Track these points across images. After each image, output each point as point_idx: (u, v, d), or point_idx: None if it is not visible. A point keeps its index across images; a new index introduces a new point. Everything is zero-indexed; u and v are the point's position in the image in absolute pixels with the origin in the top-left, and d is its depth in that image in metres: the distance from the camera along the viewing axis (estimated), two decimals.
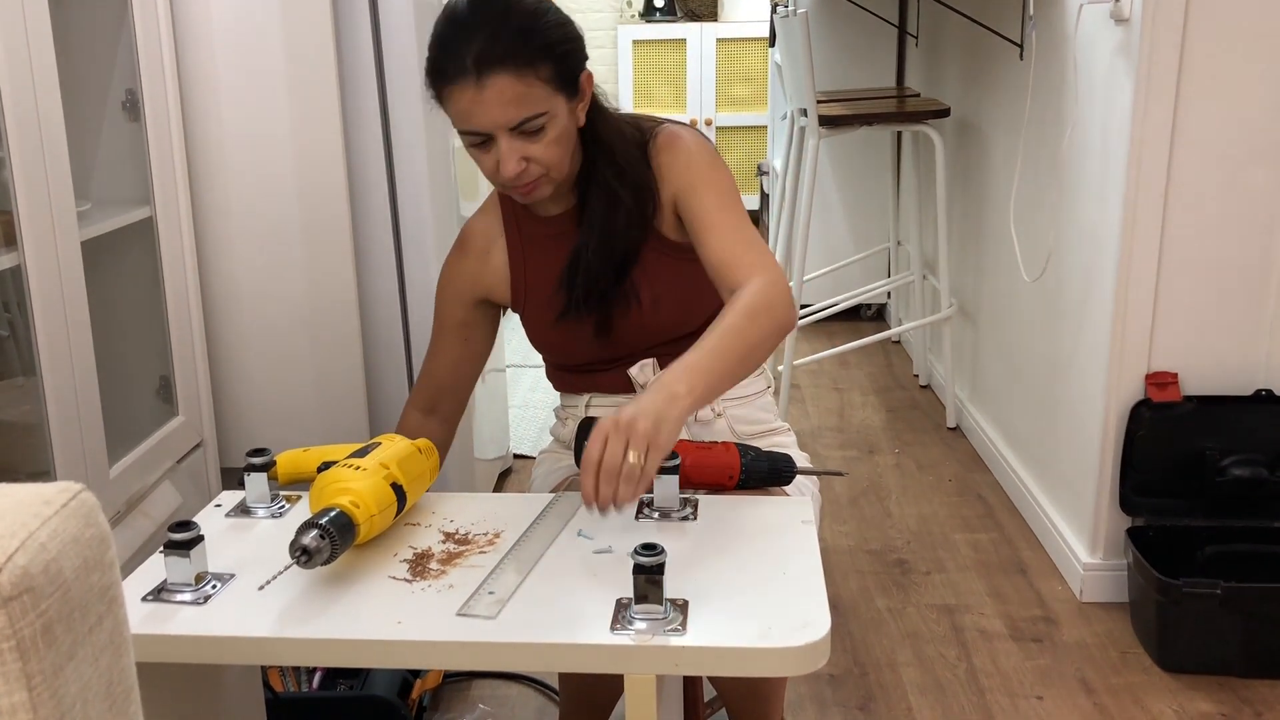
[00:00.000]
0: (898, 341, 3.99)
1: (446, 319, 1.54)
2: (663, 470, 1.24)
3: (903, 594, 2.31)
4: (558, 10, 1.37)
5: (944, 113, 3.11)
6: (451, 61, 1.30)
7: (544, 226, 1.50)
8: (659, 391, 1.17)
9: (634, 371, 1.48)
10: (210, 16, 1.85)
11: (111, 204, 1.78)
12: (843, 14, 3.90)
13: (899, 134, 3.82)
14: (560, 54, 1.33)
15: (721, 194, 1.41)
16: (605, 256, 1.43)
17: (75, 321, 1.55)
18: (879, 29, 3.94)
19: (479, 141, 1.33)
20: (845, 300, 3.75)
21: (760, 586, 1.07)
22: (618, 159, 1.44)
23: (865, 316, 4.26)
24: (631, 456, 1.11)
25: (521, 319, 1.55)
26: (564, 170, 1.39)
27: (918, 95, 3.48)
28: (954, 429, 3.21)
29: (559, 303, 1.47)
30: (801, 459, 1.51)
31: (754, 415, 1.55)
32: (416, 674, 1.84)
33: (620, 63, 5.82)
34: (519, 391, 3.43)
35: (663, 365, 1.48)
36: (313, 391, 2.00)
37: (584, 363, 1.52)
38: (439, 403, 1.55)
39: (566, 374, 1.57)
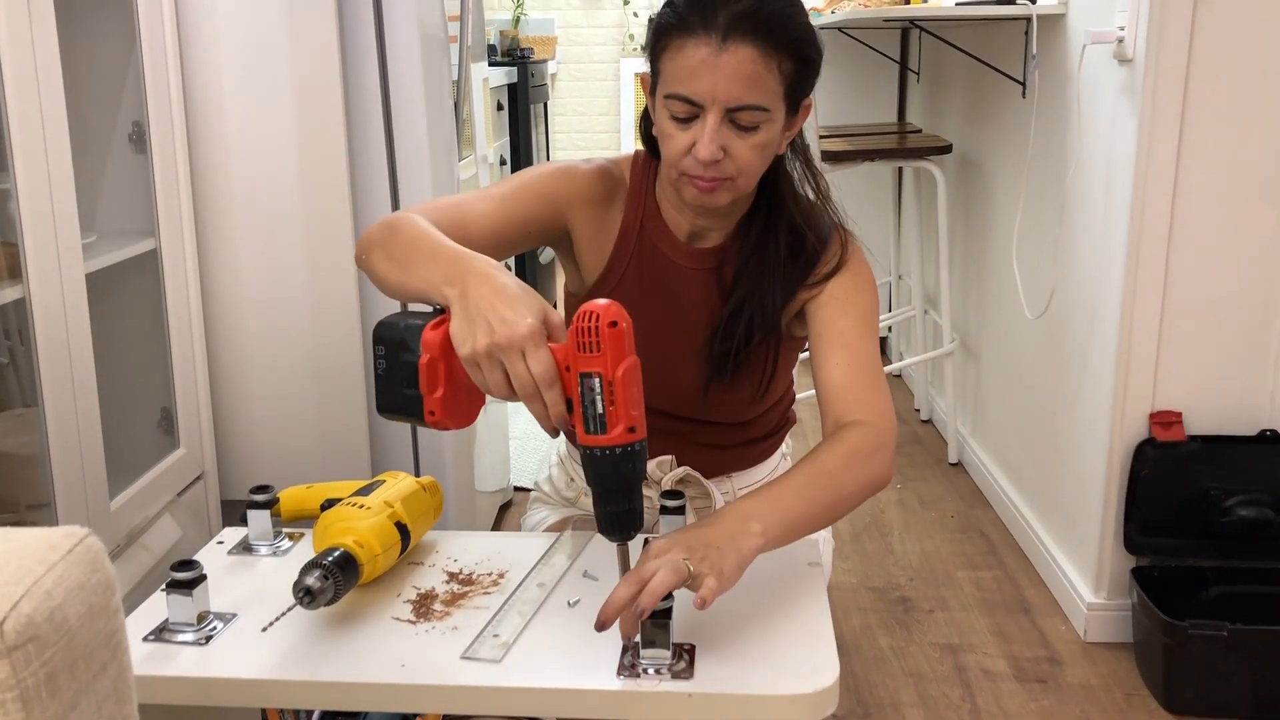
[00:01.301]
0: (899, 375, 3.99)
1: (512, 200, 1.30)
2: (668, 511, 1.23)
3: (905, 632, 2.29)
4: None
5: (946, 149, 3.12)
6: (701, 11, 1.17)
7: (669, 247, 1.36)
8: (729, 522, 1.06)
9: (650, 465, 1.39)
10: (218, 49, 1.86)
11: (116, 236, 1.78)
12: (844, 50, 3.92)
13: (900, 169, 3.84)
14: (806, 58, 1.23)
15: (866, 319, 1.30)
16: (771, 312, 1.32)
17: (78, 353, 1.55)
18: (880, 65, 3.96)
19: (685, 115, 1.20)
20: None
21: (767, 631, 1.06)
22: (795, 223, 1.32)
23: None
24: (690, 567, 0.99)
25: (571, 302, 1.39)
26: (751, 185, 1.27)
27: (919, 131, 3.50)
28: (955, 464, 3.20)
29: (663, 342, 1.34)
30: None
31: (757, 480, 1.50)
32: (415, 716, 1.82)
33: (622, 95, 5.85)
34: (519, 423, 3.42)
35: (681, 456, 1.41)
36: (315, 425, 2.00)
37: None
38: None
39: None
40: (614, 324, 0.97)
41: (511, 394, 1.00)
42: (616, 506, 1.00)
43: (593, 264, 1.38)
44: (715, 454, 1.45)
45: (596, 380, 0.97)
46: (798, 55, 1.21)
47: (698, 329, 1.36)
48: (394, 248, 1.13)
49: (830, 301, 1.31)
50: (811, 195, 1.36)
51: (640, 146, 1.40)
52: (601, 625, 0.99)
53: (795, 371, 1.53)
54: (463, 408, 1.07)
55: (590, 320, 0.96)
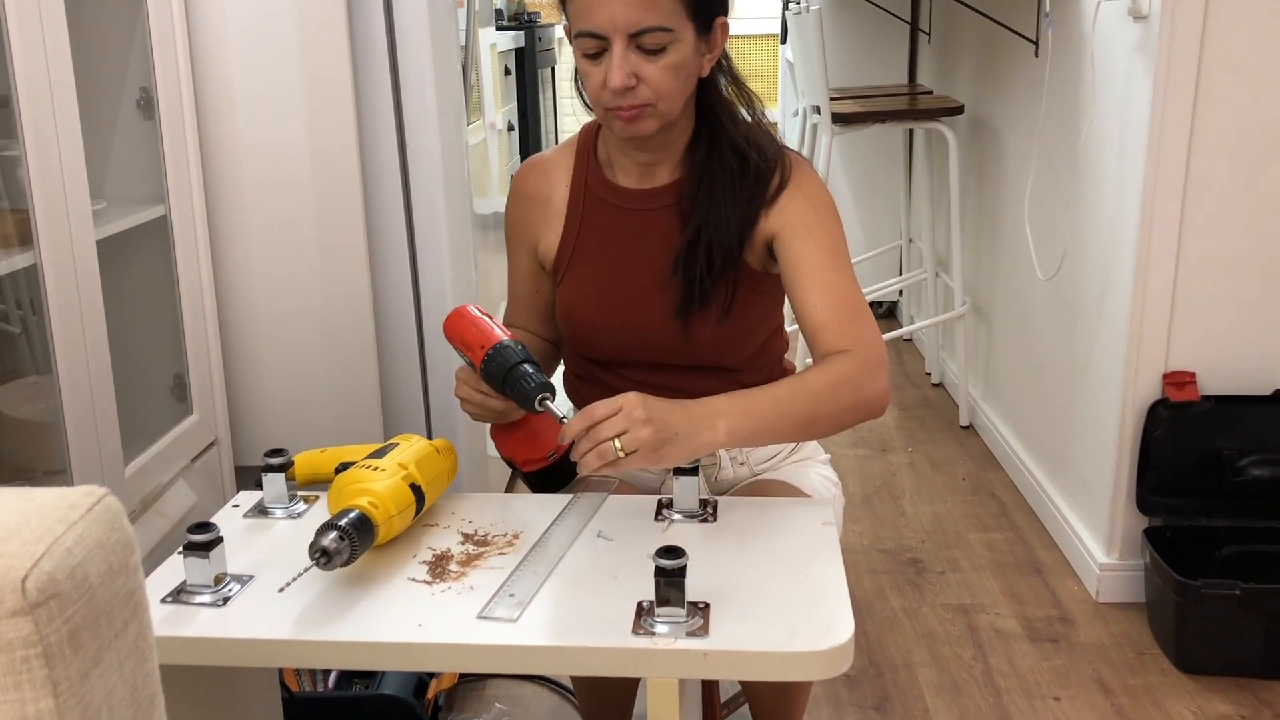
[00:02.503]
0: (909, 339, 3.98)
1: (518, 274, 1.48)
2: (681, 472, 1.23)
3: (918, 594, 2.30)
4: None
5: (958, 110, 3.10)
6: None
7: (617, 196, 1.41)
8: (697, 414, 1.15)
9: None
10: (225, 15, 1.84)
11: (126, 202, 1.77)
12: (855, 10, 3.88)
13: (910, 131, 3.81)
14: None
15: (835, 249, 1.32)
16: (729, 236, 1.33)
17: (90, 320, 1.55)
18: (891, 25, 3.92)
19: (593, 51, 1.25)
20: None
21: (782, 589, 1.06)
22: (737, 143, 1.35)
23: (877, 314, 4.25)
24: (618, 444, 1.10)
25: (557, 285, 1.45)
26: (673, 109, 1.29)
27: (930, 92, 3.47)
28: (967, 427, 3.19)
29: (607, 279, 1.40)
30: (825, 477, 1.49)
31: (775, 449, 1.51)
32: (432, 674, 1.83)
33: None
34: None
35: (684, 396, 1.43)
36: (326, 390, 2.00)
37: (607, 357, 1.44)
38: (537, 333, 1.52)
39: (586, 385, 1.50)
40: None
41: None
42: (513, 392, 1.21)
43: (551, 246, 1.44)
44: None
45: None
46: None
47: (667, 274, 1.38)
48: None
49: (793, 234, 1.33)
50: (748, 117, 1.39)
51: (579, 98, 1.42)
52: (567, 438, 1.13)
53: (788, 320, 1.53)
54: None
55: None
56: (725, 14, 1.32)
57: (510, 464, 1.36)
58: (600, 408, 1.12)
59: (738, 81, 1.39)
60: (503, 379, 1.23)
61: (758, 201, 1.34)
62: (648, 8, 1.21)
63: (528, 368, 1.22)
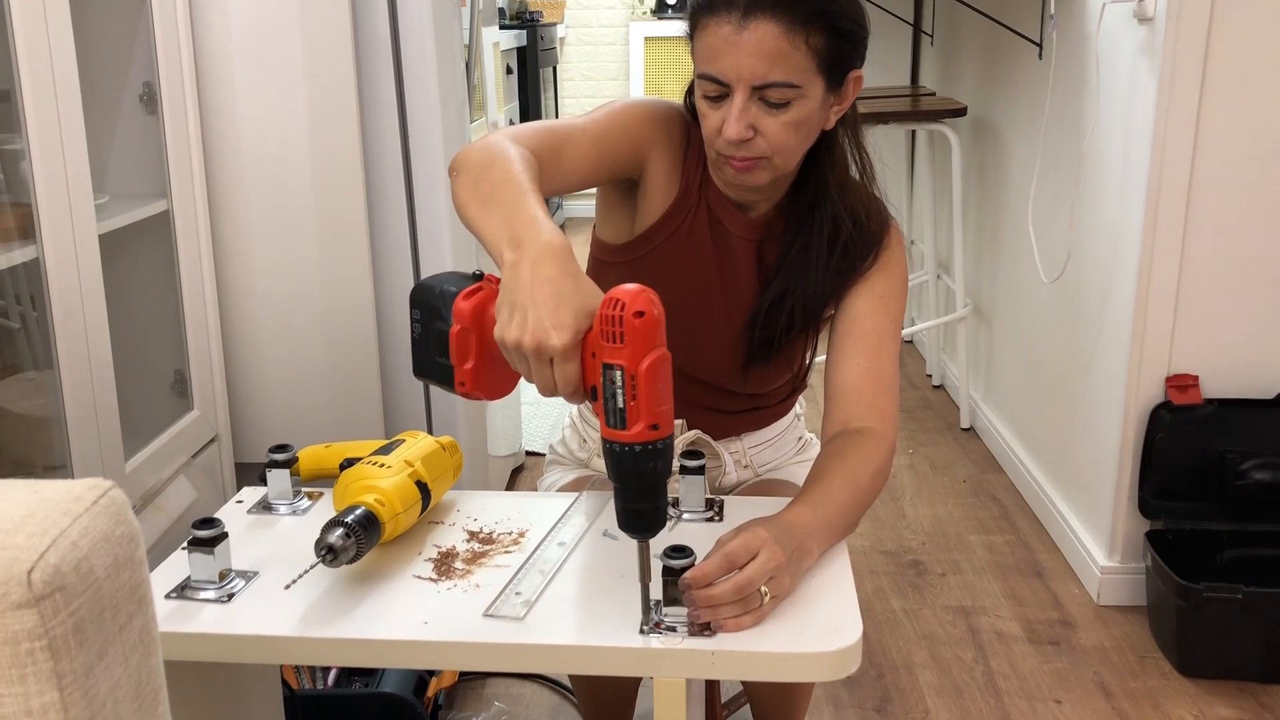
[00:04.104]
0: (910, 341, 3.97)
1: (606, 141, 1.27)
2: (687, 471, 1.22)
3: (918, 595, 2.29)
4: None
5: (960, 112, 3.09)
6: None
7: (721, 210, 1.33)
8: (801, 540, 1.06)
9: None
10: (228, 11, 1.84)
11: (128, 197, 1.77)
12: None
13: (913, 133, 3.80)
14: (839, 30, 1.19)
15: (895, 321, 1.29)
16: (814, 305, 1.30)
17: (92, 314, 1.54)
18: (894, 27, 3.92)
19: (715, 94, 1.20)
20: None
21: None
22: (839, 214, 1.29)
23: None
24: (764, 590, 0.99)
25: (628, 260, 1.34)
26: (789, 164, 1.24)
27: (933, 94, 3.46)
28: (968, 430, 3.19)
29: (690, 307, 1.32)
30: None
31: (779, 451, 1.51)
32: (432, 672, 1.83)
33: (631, 59, 5.81)
34: (531, 389, 3.41)
35: (693, 420, 1.40)
36: (327, 386, 1.99)
37: None
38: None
39: None
40: (640, 314, 0.91)
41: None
42: (637, 504, 0.96)
43: (651, 211, 1.33)
44: (727, 418, 1.45)
45: (618, 373, 0.91)
46: (828, 28, 1.18)
47: (734, 299, 1.34)
48: (482, 180, 1.08)
49: (866, 295, 1.28)
50: (856, 174, 1.33)
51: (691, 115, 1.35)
52: (685, 587, 0.98)
53: None
54: (496, 381, 1.04)
55: (615, 309, 0.91)
56: (860, 66, 1.26)
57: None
58: (739, 550, 1.00)
59: (856, 135, 1.32)
60: (636, 480, 0.97)
61: (848, 275, 1.29)
62: (775, 62, 1.16)
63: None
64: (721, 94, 1.19)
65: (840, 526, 1.13)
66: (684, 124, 1.33)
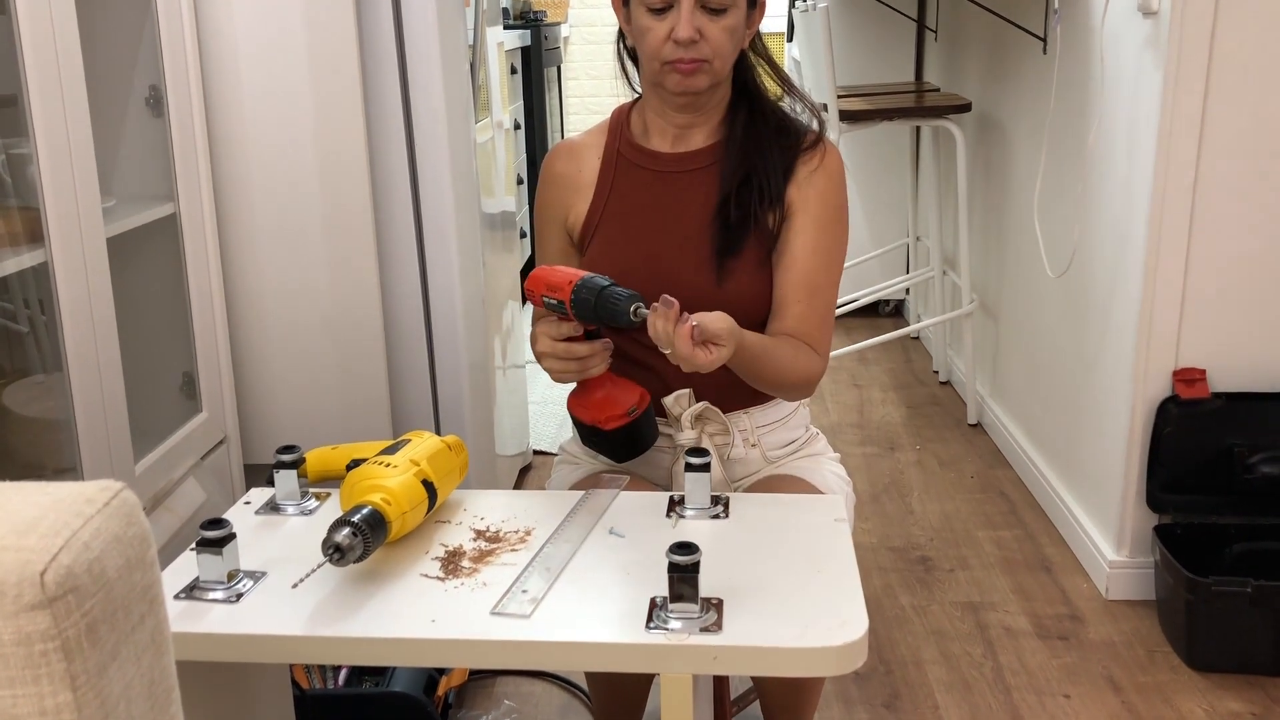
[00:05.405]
0: (917, 337, 3.97)
1: (549, 249, 1.53)
2: (692, 468, 1.23)
3: (926, 591, 2.30)
4: None
5: (965, 107, 3.09)
6: None
7: (652, 161, 1.47)
8: (736, 340, 1.23)
9: (669, 401, 1.43)
10: (233, 13, 1.84)
11: (135, 200, 1.77)
12: (861, 8, 3.88)
13: (917, 129, 3.80)
14: None
15: (834, 252, 1.44)
16: (776, 178, 1.42)
17: (101, 317, 1.55)
18: (898, 23, 3.92)
19: (660, 6, 1.34)
20: (864, 296, 3.73)
21: (795, 585, 1.06)
22: (776, 106, 1.46)
23: (883, 313, 4.24)
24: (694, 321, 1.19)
25: (585, 249, 1.50)
26: (724, 69, 1.39)
27: (938, 90, 3.46)
28: (975, 425, 3.19)
29: (637, 237, 1.45)
30: (836, 474, 1.49)
31: (787, 437, 1.53)
32: (442, 671, 1.83)
33: None
34: (538, 388, 3.42)
35: (700, 392, 1.45)
36: (335, 387, 2.00)
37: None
38: None
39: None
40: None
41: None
42: (606, 311, 1.24)
43: (581, 214, 1.49)
44: (734, 391, 1.45)
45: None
46: None
47: (702, 226, 1.43)
48: None
49: (803, 217, 1.42)
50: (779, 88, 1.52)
51: (619, 63, 1.53)
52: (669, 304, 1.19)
53: None
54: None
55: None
56: None
57: (590, 432, 1.37)
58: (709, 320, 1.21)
59: (768, 56, 1.49)
60: (594, 304, 1.24)
61: (794, 152, 1.43)
62: None
63: (617, 288, 1.25)
64: (666, 5, 1.34)
65: (752, 353, 1.29)
66: (570, 149, 1.53)
